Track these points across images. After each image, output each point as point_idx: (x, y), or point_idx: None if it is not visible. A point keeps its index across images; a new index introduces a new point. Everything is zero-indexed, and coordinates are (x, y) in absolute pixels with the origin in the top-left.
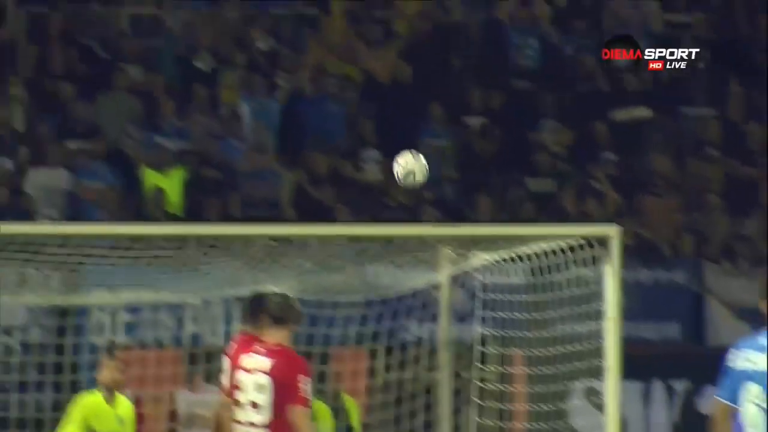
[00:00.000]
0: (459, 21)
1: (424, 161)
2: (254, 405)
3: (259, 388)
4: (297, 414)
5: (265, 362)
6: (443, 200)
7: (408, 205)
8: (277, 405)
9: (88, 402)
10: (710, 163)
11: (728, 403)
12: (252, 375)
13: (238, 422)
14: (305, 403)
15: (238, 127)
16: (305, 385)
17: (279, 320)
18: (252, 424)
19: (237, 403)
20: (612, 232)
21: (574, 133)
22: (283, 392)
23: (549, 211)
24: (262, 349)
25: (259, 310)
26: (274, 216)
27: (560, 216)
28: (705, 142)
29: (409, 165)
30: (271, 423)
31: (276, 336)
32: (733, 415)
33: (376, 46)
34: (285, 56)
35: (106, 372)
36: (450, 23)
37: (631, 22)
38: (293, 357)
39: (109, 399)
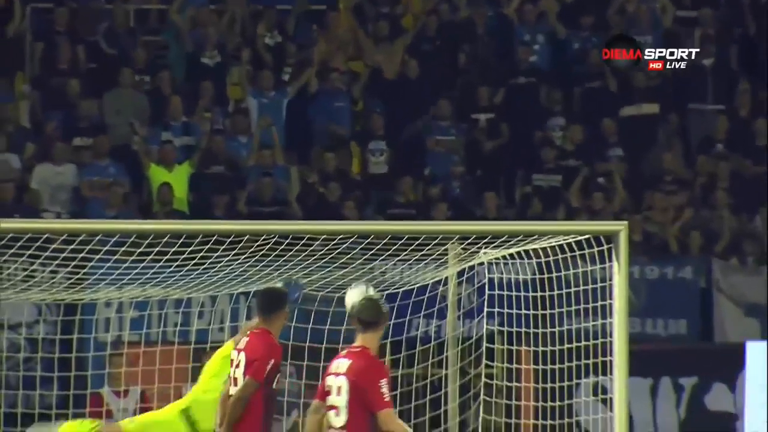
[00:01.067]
0: (466, 17)
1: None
2: (335, 408)
3: (338, 390)
4: (384, 417)
5: (345, 364)
6: (451, 196)
7: (415, 201)
8: (353, 406)
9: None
10: (718, 159)
11: None
12: (335, 378)
13: (330, 426)
14: (389, 405)
15: (244, 123)
16: (386, 388)
17: (369, 324)
18: (331, 427)
19: (327, 407)
20: (619, 228)
21: (581, 130)
22: (360, 395)
23: (556, 207)
24: (346, 352)
25: (275, 305)
26: (281, 212)
27: (568, 212)
28: (713, 138)
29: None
30: (348, 424)
31: (364, 339)
32: None
33: (383, 42)
34: (291, 52)
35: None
36: (457, 19)
37: (638, 17)
38: (372, 360)
39: None
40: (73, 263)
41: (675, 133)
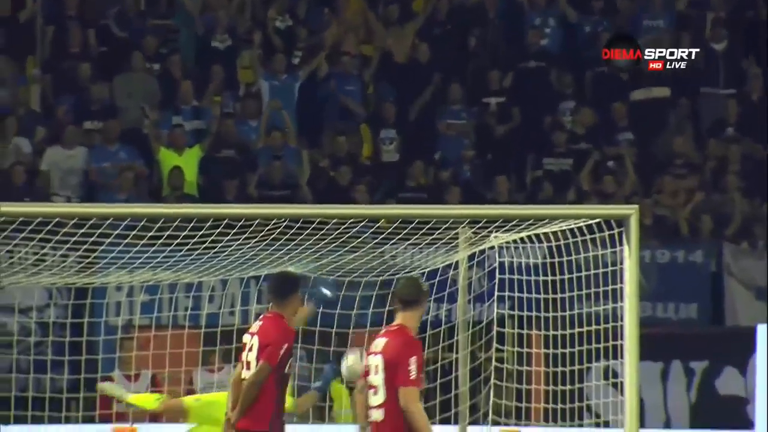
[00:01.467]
0: (477, 1)
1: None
2: (373, 387)
3: (375, 369)
4: (405, 394)
5: (382, 342)
6: (461, 180)
7: (426, 185)
8: (388, 384)
9: None
10: (729, 143)
11: None
12: (374, 357)
13: (369, 405)
14: (413, 383)
15: (255, 106)
16: (414, 366)
17: (408, 303)
18: (370, 406)
19: (368, 386)
20: (630, 212)
21: (592, 114)
22: (393, 372)
23: (567, 191)
24: (384, 331)
25: (288, 289)
26: (292, 196)
27: (578, 196)
28: (724, 122)
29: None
30: (385, 402)
31: (404, 317)
32: None
33: (394, 26)
34: (302, 36)
35: None
36: (468, 3)
37: (650, 1)
38: (407, 338)
39: None
40: (84, 247)
41: (686, 117)
